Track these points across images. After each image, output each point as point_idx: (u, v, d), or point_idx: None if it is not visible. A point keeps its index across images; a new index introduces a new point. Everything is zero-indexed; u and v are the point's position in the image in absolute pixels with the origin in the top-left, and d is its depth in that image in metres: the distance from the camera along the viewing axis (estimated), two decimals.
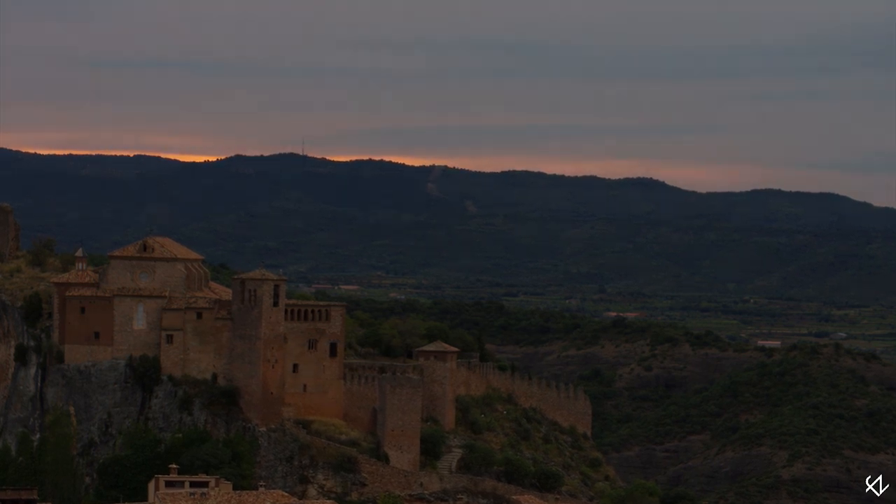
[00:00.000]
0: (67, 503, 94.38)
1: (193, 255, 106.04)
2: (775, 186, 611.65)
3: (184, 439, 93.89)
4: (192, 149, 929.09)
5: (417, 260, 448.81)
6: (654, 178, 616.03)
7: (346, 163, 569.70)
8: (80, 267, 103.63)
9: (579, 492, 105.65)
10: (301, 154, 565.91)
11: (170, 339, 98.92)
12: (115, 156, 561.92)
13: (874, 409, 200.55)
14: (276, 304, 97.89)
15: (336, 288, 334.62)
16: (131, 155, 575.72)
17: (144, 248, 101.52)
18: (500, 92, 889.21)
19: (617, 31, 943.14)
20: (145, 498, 79.94)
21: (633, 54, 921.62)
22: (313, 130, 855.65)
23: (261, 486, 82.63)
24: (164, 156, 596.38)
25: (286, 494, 74.01)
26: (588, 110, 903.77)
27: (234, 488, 76.81)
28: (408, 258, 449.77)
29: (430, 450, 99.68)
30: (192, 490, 73.46)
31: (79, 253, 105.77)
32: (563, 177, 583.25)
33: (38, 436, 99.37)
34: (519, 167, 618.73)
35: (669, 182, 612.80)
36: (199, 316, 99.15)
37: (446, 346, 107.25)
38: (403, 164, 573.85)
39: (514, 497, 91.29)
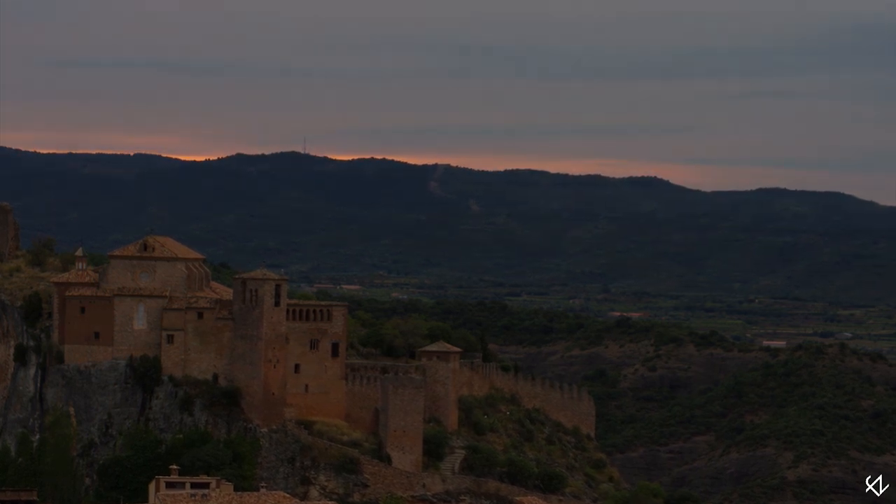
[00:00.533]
0: None
1: (194, 254, 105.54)
2: (780, 185, 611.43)
3: (185, 440, 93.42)
4: (193, 148, 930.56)
5: (420, 259, 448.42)
6: (659, 177, 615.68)
7: (348, 161, 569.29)
8: (80, 266, 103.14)
9: (583, 493, 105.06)
10: (303, 153, 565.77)
11: (170, 339, 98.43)
12: (116, 155, 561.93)
13: (880, 409, 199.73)
14: (277, 303, 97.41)
15: (338, 288, 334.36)
16: (132, 154, 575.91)
17: (145, 247, 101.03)
18: (502, 91, 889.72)
19: (619, 31, 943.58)
20: (146, 499, 79.61)
21: (637, 54, 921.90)
22: (315, 129, 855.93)
23: (262, 487, 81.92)
24: (164, 155, 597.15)
25: (288, 496, 73.42)
26: (592, 109, 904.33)
27: (236, 489, 76.19)
28: (410, 258, 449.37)
29: (433, 451, 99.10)
30: (193, 491, 72.94)
31: (79, 252, 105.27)
32: (566, 176, 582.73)
33: (37, 437, 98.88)
34: (522, 166, 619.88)
35: (674, 181, 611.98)
36: (200, 316, 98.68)
37: (449, 346, 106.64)
38: (406, 163, 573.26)
39: (517, 498, 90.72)
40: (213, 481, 76.45)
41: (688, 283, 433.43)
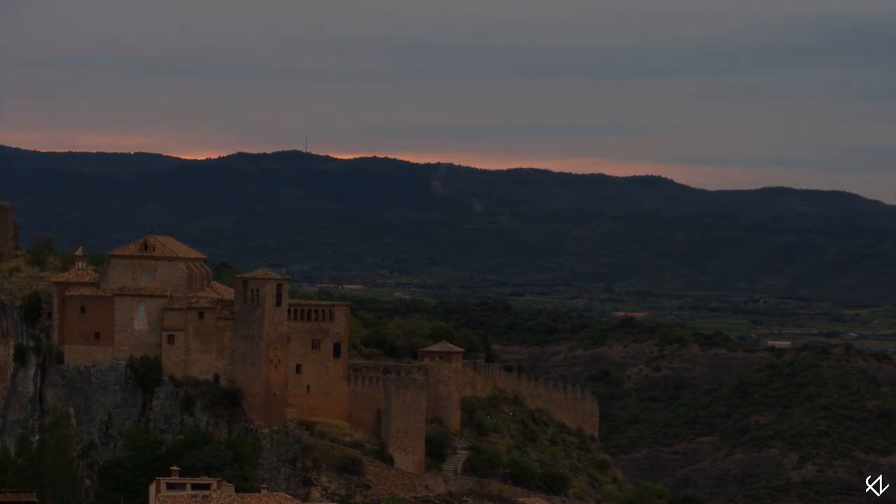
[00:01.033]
0: None
1: (195, 253, 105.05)
2: (785, 184, 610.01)
3: (185, 441, 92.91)
4: (194, 146, 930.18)
5: (422, 259, 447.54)
6: (663, 175, 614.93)
7: (349, 160, 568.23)
8: (80, 266, 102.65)
9: (587, 494, 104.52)
10: (304, 151, 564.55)
11: (171, 339, 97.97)
12: (116, 153, 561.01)
13: (886, 410, 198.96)
14: (278, 303, 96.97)
15: (340, 287, 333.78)
16: (132, 153, 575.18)
17: (145, 246, 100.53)
18: (505, 89, 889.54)
19: (622, 29, 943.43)
20: (146, 500, 79.21)
21: (640, 52, 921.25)
22: (316, 127, 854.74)
23: (263, 488, 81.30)
24: (165, 153, 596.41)
25: (289, 497, 72.93)
26: (595, 108, 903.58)
27: (237, 491, 75.98)
28: (412, 257, 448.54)
29: (436, 451, 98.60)
30: (194, 492, 72.55)
31: (79, 252, 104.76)
32: (570, 174, 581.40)
33: (37, 437, 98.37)
34: (525, 165, 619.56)
35: (678, 180, 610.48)
36: (201, 316, 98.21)
37: (451, 346, 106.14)
38: (408, 162, 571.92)
39: (520, 499, 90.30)
40: (214, 482, 76.15)
41: (692, 283, 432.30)
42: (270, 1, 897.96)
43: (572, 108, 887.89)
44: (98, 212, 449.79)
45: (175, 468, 79.39)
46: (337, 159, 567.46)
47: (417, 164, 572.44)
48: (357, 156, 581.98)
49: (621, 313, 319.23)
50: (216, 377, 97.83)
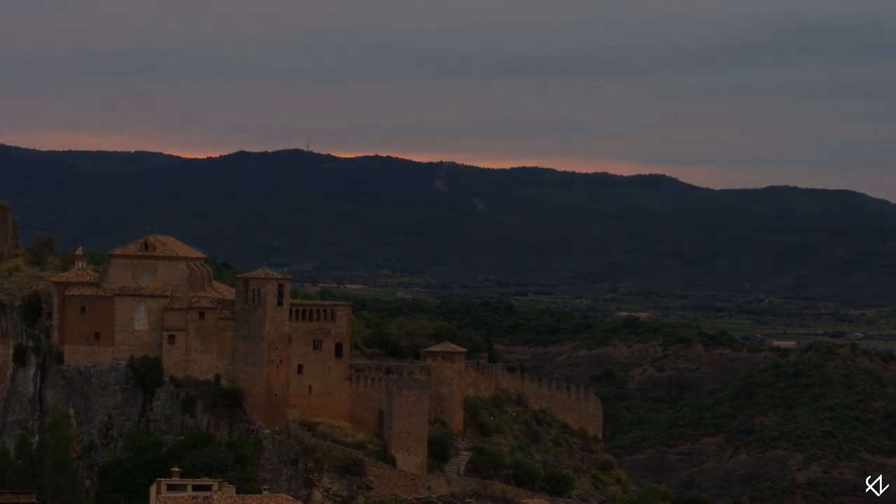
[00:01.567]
0: None
1: (196, 253, 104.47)
2: (790, 184, 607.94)
3: (186, 442, 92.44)
4: (195, 145, 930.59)
5: (425, 259, 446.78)
6: (667, 175, 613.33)
7: (352, 159, 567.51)
8: (80, 266, 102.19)
9: (590, 495, 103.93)
10: (306, 150, 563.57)
11: (172, 339, 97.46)
12: (116, 152, 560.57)
13: (892, 410, 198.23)
14: (280, 303, 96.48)
15: (341, 287, 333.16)
16: (132, 151, 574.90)
17: (146, 246, 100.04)
18: (508, 88, 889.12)
19: (626, 28, 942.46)
20: (147, 501, 78.91)
21: (642, 53, 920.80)
22: (318, 126, 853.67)
23: (265, 489, 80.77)
24: (165, 152, 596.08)
25: (290, 498, 72.41)
26: (598, 107, 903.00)
27: (238, 492, 75.70)
28: (415, 257, 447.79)
29: (438, 452, 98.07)
30: (195, 493, 72.11)
31: (79, 251, 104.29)
32: (573, 174, 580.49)
33: (37, 438, 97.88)
34: (528, 164, 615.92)
35: (682, 179, 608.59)
36: (202, 316, 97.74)
37: (454, 346, 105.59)
38: (411, 161, 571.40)
39: (523, 501, 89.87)
40: (215, 483, 75.94)
41: (696, 283, 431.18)
42: (274, 2, 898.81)
43: (576, 107, 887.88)
44: (98, 211, 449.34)
45: (176, 469, 79.07)
46: (339, 158, 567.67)
47: (420, 164, 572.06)
48: (359, 155, 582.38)
49: (625, 313, 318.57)
50: (217, 377, 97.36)
